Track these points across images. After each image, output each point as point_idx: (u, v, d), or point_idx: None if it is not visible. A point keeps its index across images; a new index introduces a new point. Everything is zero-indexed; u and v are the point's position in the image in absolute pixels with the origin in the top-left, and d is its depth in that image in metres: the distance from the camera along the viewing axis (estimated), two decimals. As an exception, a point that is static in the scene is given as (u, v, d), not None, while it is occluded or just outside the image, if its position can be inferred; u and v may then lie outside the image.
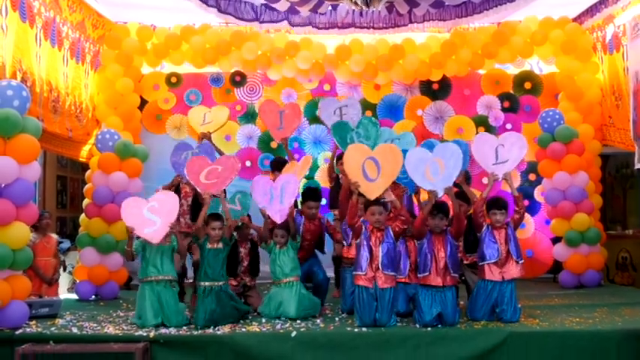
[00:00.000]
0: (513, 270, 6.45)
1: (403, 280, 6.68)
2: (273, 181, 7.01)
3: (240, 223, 7.08)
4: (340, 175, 7.78)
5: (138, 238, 6.57)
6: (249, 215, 7.29)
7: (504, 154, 6.70)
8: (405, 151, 6.56)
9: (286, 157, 8.19)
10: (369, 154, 6.38)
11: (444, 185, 6.32)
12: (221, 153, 8.06)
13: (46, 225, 8.71)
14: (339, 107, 8.07)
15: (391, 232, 6.34)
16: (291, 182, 6.72)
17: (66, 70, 8.60)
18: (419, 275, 6.38)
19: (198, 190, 6.80)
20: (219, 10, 8.88)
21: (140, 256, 6.58)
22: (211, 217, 6.61)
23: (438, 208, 6.40)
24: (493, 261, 6.43)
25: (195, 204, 7.46)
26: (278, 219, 6.63)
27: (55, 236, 8.90)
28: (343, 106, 8.09)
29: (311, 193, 7.44)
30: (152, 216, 6.37)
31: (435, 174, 6.32)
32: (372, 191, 6.30)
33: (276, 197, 6.68)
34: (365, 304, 6.19)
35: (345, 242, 7.13)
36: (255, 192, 6.76)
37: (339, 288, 7.66)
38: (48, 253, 8.58)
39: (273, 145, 8.75)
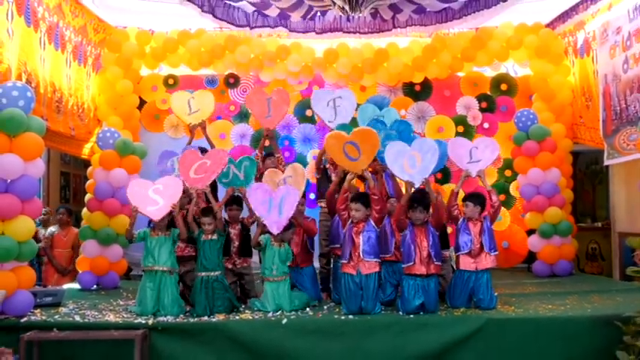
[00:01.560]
0: (485, 261, 6.48)
1: (389, 259, 6.66)
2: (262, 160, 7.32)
3: (237, 193, 6.90)
4: (328, 166, 7.58)
5: (147, 228, 6.56)
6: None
7: (478, 155, 6.78)
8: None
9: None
10: (347, 139, 6.36)
11: (420, 177, 6.32)
12: (212, 146, 7.96)
13: (59, 220, 8.82)
14: (333, 99, 7.67)
15: (372, 222, 6.37)
16: (292, 194, 6.47)
17: (69, 72, 8.54)
18: (403, 265, 6.37)
19: (186, 184, 6.63)
20: (214, 16, 8.80)
21: (143, 246, 6.53)
22: (202, 213, 6.57)
23: (418, 200, 6.39)
24: (466, 251, 6.47)
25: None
26: (275, 230, 6.35)
27: (75, 230, 8.94)
28: (337, 97, 7.68)
29: None
30: (156, 196, 6.31)
31: (412, 166, 6.34)
32: (357, 167, 6.39)
33: (274, 207, 6.40)
34: (351, 292, 6.19)
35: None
36: (252, 200, 6.52)
37: (325, 291, 7.34)
38: (64, 245, 8.72)
39: (266, 143, 8.74)
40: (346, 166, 6.45)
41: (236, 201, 7.04)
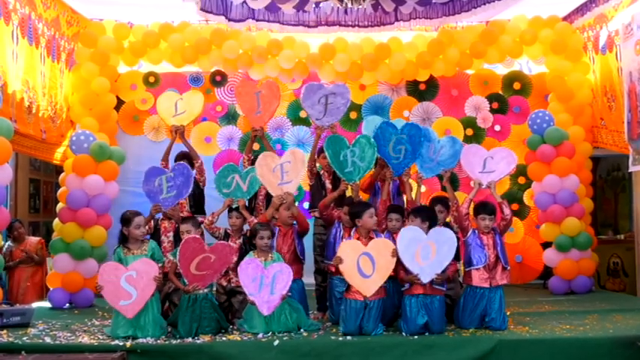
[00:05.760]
0: (500, 276, 6.52)
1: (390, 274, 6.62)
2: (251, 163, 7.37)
3: (235, 205, 7.00)
4: (322, 172, 7.62)
5: (118, 247, 6.54)
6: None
7: (492, 166, 6.84)
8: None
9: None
10: (363, 250, 6.32)
11: (431, 272, 6.24)
12: (192, 150, 8.01)
13: (18, 235, 8.85)
14: (325, 95, 7.57)
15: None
16: (285, 272, 6.40)
17: (43, 69, 8.54)
18: (404, 287, 6.42)
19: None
20: (204, 10, 8.78)
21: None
22: (181, 221, 6.75)
23: (425, 216, 6.51)
24: (481, 266, 6.49)
25: (177, 239, 7.07)
26: (265, 311, 6.27)
27: (33, 239, 8.97)
28: (330, 93, 7.58)
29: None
30: (129, 287, 6.18)
31: (425, 258, 6.26)
32: (368, 288, 6.27)
33: (266, 286, 6.32)
34: (352, 311, 6.23)
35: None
36: (243, 276, 6.40)
37: (321, 310, 7.40)
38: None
39: (256, 146, 8.73)
40: (355, 285, 6.32)
41: (237, 210, 7.09)
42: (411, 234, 6.36)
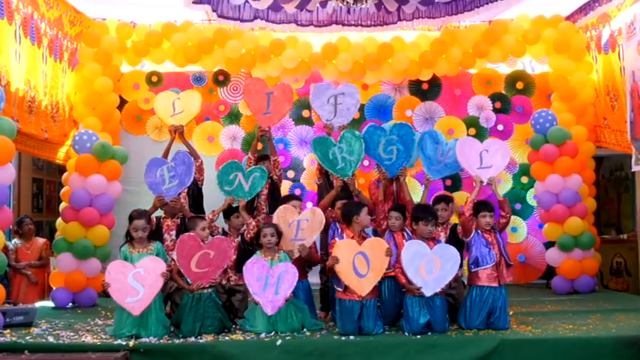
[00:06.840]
0: (506, 274, 6.54)
1: (391, 274, 6.61)
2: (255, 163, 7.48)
3: (235, 204, 7.01)
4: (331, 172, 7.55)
5: (124, 244, 6.53)
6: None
7: (488, 160, 6.83)
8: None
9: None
10: (358, 249, 6.34)
11: (435, 287, 6.25)
12: (192, 150, 7.99)
13: (27, 231, 8.86)
14: (334, 95, 7.66)
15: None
16: (290, 273, 6.38)
17: (45, 69, 8.54)
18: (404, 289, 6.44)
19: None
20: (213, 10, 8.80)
21: None
22: (188, 220, 6.78)
23: (429, 212, 6.52)
24: (490, 265, 6.49)
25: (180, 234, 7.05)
26: (269, 310, 6.26)
27: (40, 240, 8.97)
28: (339, 93, 7.67)
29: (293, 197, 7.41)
30: (136, 284, 6.17)
31: (428, 272, 6.26)
32: (363, 288, 6.29)
33: (270, 285, 6.30)
34: (348, 311, 6.24)
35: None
36: (247, 275, 6.38)
37: (324, 310, 7.40)
38: (29, 258, 8.78)
39: (259, 146, 8.74)
40: (351, 284, 6.32)
41: (237, 209, 7.09)
42: (415, 247, 6.36)
